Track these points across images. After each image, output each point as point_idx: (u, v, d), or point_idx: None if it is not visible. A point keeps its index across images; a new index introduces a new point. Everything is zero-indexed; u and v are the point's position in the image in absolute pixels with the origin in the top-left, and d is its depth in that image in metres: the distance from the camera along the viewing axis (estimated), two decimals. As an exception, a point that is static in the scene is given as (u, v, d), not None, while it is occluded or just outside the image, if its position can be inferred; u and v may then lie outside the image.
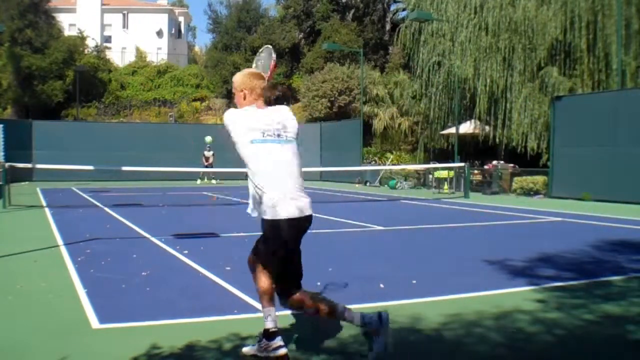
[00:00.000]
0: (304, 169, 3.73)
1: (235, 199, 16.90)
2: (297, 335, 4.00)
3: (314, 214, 3.62)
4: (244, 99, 3.63)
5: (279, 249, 3.50)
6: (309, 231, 3.65)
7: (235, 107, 3.69)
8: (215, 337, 3.89)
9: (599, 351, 3.81)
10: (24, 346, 3.79)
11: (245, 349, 3.66)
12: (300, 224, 3.52)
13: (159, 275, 6.00)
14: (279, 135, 3.54)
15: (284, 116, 3.65)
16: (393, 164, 25.72)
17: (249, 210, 3.64)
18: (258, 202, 3.50)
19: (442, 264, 6.82)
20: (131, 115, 42.07)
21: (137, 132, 28.76)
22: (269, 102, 3.73)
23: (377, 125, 30.32)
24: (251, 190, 3.55)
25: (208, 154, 25.39)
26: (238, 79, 3.69)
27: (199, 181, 25.66)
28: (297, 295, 3.60)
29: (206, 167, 24.64)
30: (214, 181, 25.60)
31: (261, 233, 3.56)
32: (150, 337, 3.88)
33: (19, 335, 4.02)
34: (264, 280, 3.52)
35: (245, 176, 3.62)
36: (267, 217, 3.43)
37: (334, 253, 7.51)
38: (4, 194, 13.54)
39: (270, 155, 3.47)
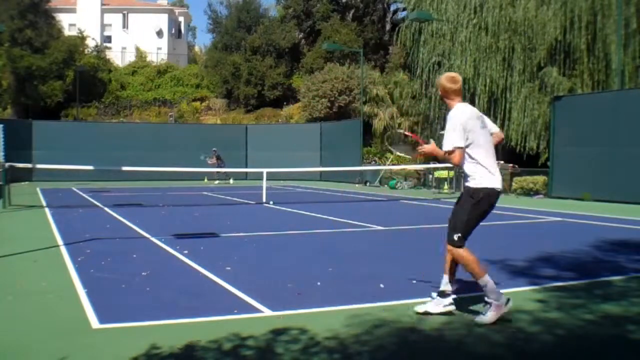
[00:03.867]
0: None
1: (235, 198, 16.90)
2: (298, 335, 3.99)
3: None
4: (444, 97, 4.57)
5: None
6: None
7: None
8: (215, 337, 3.89)
9: (599, 351, 3.81)
10: (24, 346, 3.79)
11: (477, 319, 4.29)
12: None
13: (159, 275, 6.00)
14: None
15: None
16: (393, 164, 25.73)
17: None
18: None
19: (442, 264, 6.81)
20: (131, 115, 42.06)
21: (137, 132, 28.76)
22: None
23: (377, 125, 30.32)
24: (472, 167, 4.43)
25: (212, 160, 25.39)
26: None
27: (216, 182, 25.69)
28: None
29: (218, 166, 24.69)
30: (230, 181, 25.68)
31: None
32: (150, 337, 3.88)
33: (19, 335, 4.02)
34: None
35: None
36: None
37: (334, 253, 7.51)
38: (4, 194, 13.54)
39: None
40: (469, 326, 4.22)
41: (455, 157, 4.35)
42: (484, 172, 4.40)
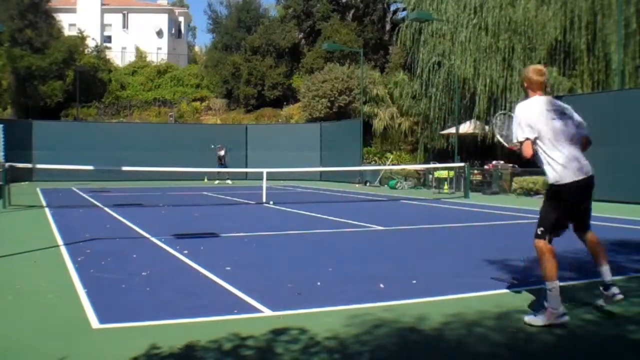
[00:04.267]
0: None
1: (235, 198, 16.90)
2: (298, 335, 3.99)
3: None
4: (527, 88, 4.52)
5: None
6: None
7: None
8: (215, 337, 3.89)
9: (599, 351, 3.81)
10: (24, 346, 3.79)
11: (528, 318, 4.27)
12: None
13: (159, 275, 6.00)
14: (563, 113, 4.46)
15: None
16: (393, 164, 25.73)
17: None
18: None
19: (442, 264, 6.82)
20: (131, 115, 42.05)
21: (137, 132, 28.75)
22: None
23: (377, 125, 30.31)
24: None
25: (220, 153, 25.38)
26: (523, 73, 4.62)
27: (216, 182, 25.59)
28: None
29: (220, 166, 24.63)
30: (229, 181, 25.60)
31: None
32: (150, 337, 3.88)
33: (19, 335, 4.02)
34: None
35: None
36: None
37: (334, 253, 7.51)
38: (4, 194, 13.54)
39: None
40: (469, 326, 4.22)
41: (523, 151, 4.40)
42: (551, 166, 4.34)
